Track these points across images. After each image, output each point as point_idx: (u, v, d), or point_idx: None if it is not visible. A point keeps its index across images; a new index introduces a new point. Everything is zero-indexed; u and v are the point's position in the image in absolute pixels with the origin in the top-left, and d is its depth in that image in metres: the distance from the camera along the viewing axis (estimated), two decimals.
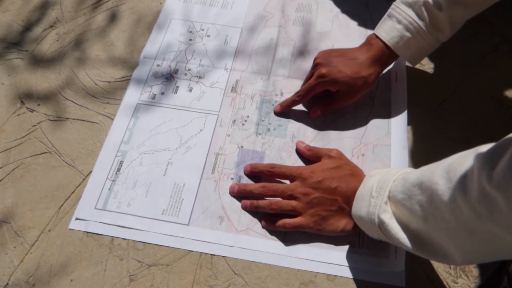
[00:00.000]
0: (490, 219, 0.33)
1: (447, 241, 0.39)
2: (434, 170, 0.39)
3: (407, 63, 0.68)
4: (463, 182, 0.35)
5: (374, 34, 0.60)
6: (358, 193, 0.49)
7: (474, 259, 0.40)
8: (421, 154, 0.60)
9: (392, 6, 0.59)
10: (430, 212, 0.39)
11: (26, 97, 0.68)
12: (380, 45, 0.58)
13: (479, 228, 0.35)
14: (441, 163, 0.39)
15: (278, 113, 0.64)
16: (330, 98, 0.62)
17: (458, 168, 0.36)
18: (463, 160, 0.36)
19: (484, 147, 0.35)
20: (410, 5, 0.56)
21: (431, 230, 0.40)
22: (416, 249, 0.43)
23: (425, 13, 0.55)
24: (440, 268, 0.52)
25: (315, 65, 0.62)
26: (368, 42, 0.60)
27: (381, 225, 0.45)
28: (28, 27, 0.77)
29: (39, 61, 0.72)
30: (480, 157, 0.34)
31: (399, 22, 0.57)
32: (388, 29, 0.58)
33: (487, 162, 0.33)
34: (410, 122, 0.62)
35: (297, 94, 0.63)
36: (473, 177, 0.34)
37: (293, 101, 0.63)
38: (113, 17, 0.77)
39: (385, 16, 0.59)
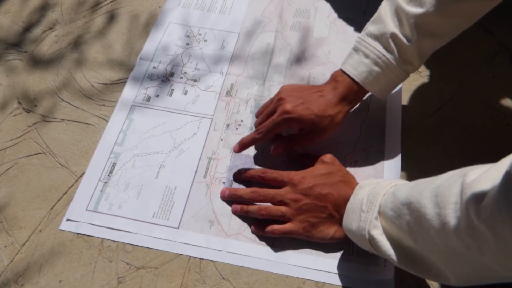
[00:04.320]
0: (479, 251, 0.32)
1: (438, 262, 0.38)
2: (422, 191, 0.37)
3: None
4: (451, 211, 0.33)
5: (340, 70, 0.55)
6: (348, 205, 0.48)
7: (468, 282, 0.38)
8: (415, 162, 0.60)
9: (357, 39, 0.55)
10: (419, 234, 0.38)
11: (23, 97, 0.69)
12: (347, 82, 0.54)
13: (469, 257, 0.34)
14: (430, 183, 0.38)
15: (238, 153, 0.59)
16: (293, 137, 0.57)
17: (446, 193, 0.34)
18: (451, 185, 0.34)
19: (471, 173, 0.33)
20: (376, 38, 0.53)
21: (422, 250, 0.39)
22: (407, 266, 0.42)
23: (393, 46, 0.52)
24: None
25: (278, 100, 0.56)
26: (334, 79, 0.56)
27: (372, 241, 0.44)
28: (28, 28, 0.78)
29: (37, 62, 0.73)
30: (467, 188, 0.32)
31: (367, 56, 0.53)
32: (355, 64, 0.54)
33: (474, 195, 0.31)
34: (404, 129, 0.62)
35: (258, 131, 0.56)
36: (460, 208, 0.32)
37: (254, 139, 0.57)
38: (111, 20, 0.78)
39: (351, 50, 0.55)
